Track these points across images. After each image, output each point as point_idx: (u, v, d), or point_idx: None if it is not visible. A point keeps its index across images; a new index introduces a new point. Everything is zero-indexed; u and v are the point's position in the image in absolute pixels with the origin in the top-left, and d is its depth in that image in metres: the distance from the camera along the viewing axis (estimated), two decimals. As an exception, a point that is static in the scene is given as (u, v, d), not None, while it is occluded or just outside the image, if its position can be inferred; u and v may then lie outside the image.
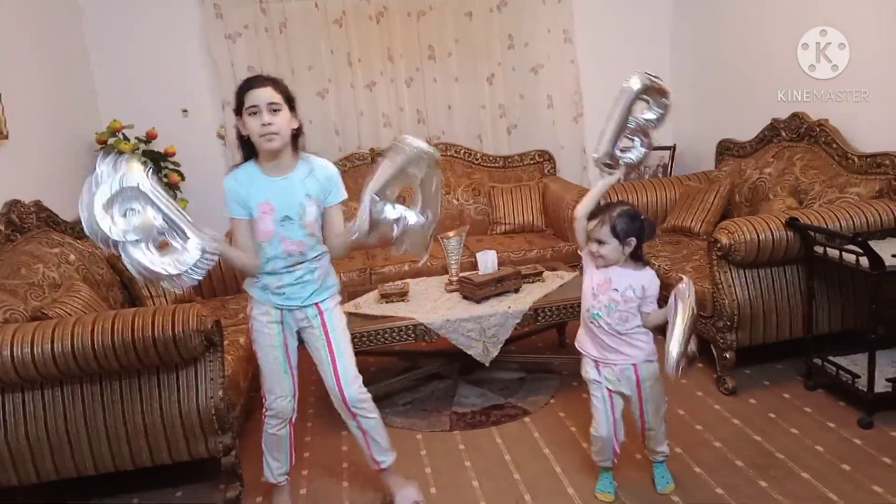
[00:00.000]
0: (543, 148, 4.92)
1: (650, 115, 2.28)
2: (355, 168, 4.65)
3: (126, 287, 3.28)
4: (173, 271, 1.79)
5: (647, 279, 2.20)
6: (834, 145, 3.40)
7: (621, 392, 2.26)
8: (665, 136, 4.97)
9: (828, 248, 2.74)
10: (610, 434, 2.29)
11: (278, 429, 2.31)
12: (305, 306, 2.21)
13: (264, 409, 2.31)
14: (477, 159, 4.89)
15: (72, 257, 3.05)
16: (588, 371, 2.30)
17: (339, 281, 2.36)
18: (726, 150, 4.29)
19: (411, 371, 3.32)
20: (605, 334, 2.21)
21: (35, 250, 2.91)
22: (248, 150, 2.14)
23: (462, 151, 4.87)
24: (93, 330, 2.23)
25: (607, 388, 2.26)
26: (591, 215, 2.20)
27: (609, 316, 2.19)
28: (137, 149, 4.13)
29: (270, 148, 2.06)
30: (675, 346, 2.01)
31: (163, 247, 1.81)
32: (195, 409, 2.38)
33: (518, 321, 3.02)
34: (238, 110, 2.08)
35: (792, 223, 2.83)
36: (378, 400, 2.36)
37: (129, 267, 1.79)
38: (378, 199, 1.97)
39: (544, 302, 3.08)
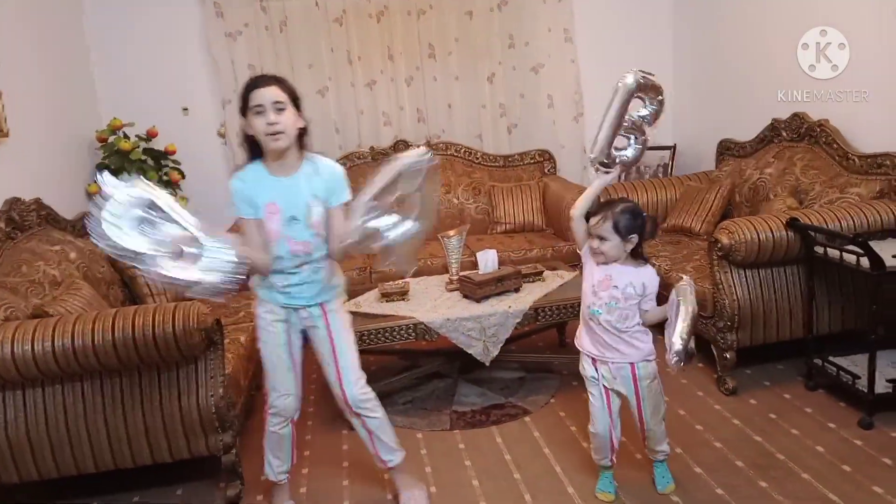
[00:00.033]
0: (544, 147, 4.92)
1: (645, 113, 2.28)
2: (356, 167, 4.64)
3: (127, 285, 3.28)
4: (213, 279, 1.80)
5: (647, 276, 2.20)
6: (834, 145, 3.40)
7: (618, 390, 2.26)
8: (665, 136, 4.97)
9: (828, 249, 2.74)
10: (606, 431, 2.29)
11: (280, 427, 2.31)
12: (310, 306, 2.21)
13: (267, 407, 2.31)
14: (477, 158, 4.88)
15: (72, 255, 3.04)
16: (585, 368, 2.31)
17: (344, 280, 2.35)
18: (727, 150, 4.29)
19: (411, 370, 3.31)
20: (604, 332, 2.21)
21: (36, 248, 2.91)
22: (254, 150, 2.13)
23: (462, 150, 4.86)
24: (93, 328, 2.22)
25: (604, 386, 2.27)
26: (594, 211, 2.20)
27: (610, 313, 2.19)
28: (138, 147, 4.13)
29: (277, 147, 2.06)
30: (676, 339, 2.01)
31: (187, 257, 1.82)
32: (196, 407, 2.38)
33: (518, 320, 3.02)
34: (243, 111, 2.07)
35: (792, 223, 2.83)
36: (378, 398, 2.35)
37: (166, 281, 1.79)
38: (371, 206, 1.96)
39: (544, 301, 3.08)
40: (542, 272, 3.35)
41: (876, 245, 2.58)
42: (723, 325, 2.95)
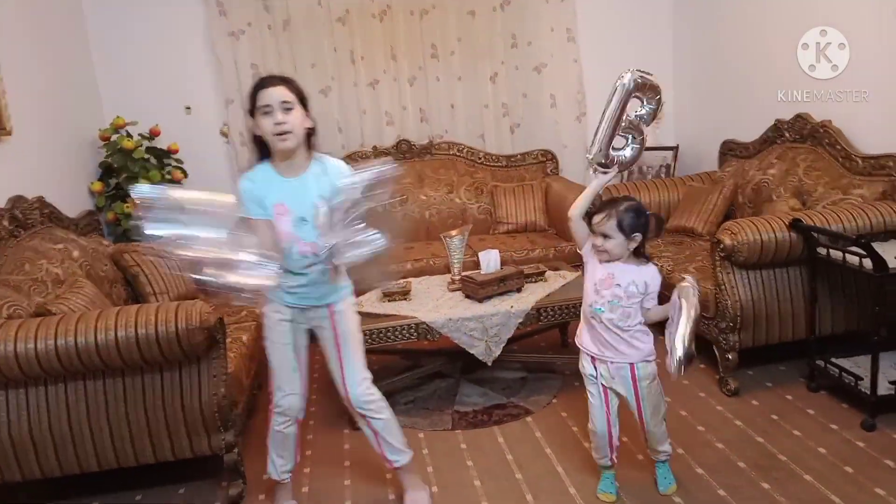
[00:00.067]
0: (546, 147, 4.92)
1: (643, 112, 2.28)
2: (358, 166, 4.63)
3: (129, 284, 3.28)
4: (257, 283, 1.84)
5: (649, 275, 2.20)
6: (838, 146, 3.40)
7: (616, 390, 2.26)
8: (668, 136, 4.97)
9: (831, 250, 2.73)
10: (604, 430, 2.29)
11: (285, 426, 2.31)
12: (318, 306, 2.21)
13: (272, 406, 2.31)
14: (480, 158, 4.88)
15: (75, 253, 3.04)
16: (584, 366, 2.31)
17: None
18: (729, 150, 4.29)
19: (413, 370, 3.31)
20: (605, 330, 2.21)
21: (39, 246, 2.91)
22: (263, 151, 2.13)
23: (465, 150, 4.86)
24: (96, 326, 2.23)
25: (602, 385, 2.27)
26: (598, 209, 2.20)
27: (612, 311, 2.19)
28: (140, 145, 4.14)
29: (284, 147, 2.06)
30: (679, 345, 2.01)
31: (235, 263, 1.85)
32: (198, 406, 2.38)
33: (520, 320, 3.02)
34: (251, 111, 2.07)
35: (795, 224, 2.83)
36: (385, 399, 2.35)
37: (224, 288, 1.82)
38: (338, 221, 1.95)
39: (547, 301, 3.08)
40: (545, 272, 3.35)
41: (879, 246, 2.58)
42: (725, 326, 2.94)
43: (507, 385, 3.25)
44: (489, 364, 3.05)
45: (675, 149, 4.86)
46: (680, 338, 2.01)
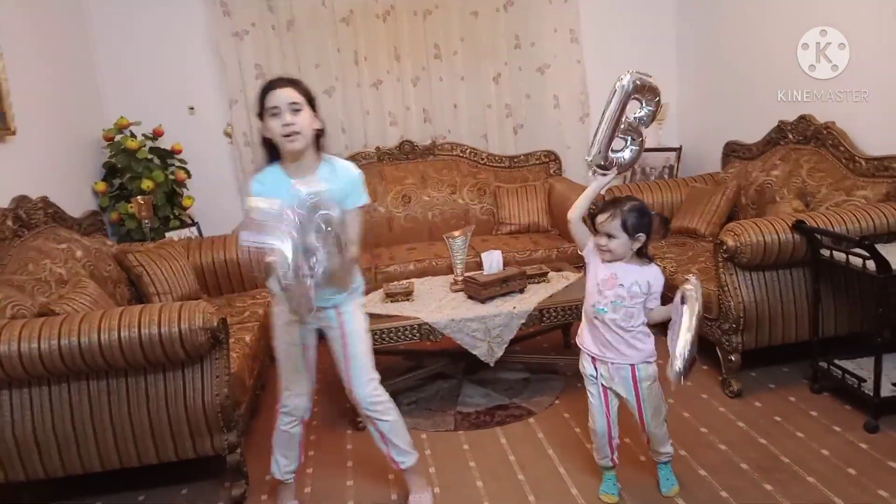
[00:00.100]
0: (549, 148, 4.92)
1: (642, 114, 2.28)
2: (361, 167, 4.63)
3: (133, 284, 3.29)
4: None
5: (652, 275, 2.20)
6: (841, 148, 3.39)
7: (616, 391, 2.26)
8: (671, 138, 4.97)
9: (834, 251, 2.73)
10: (604, 429, 2.29)
11: (291, 426, 2.32)
12: (326, 307, 2.21)
13: (278, 406, 2.32)
14: (482, 159, 4.88)
15: (79, 253, 3.05)
16: (585, 366, 2.31)
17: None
18: (733, 151, 4.29)
19: (416, 370, 3.32)
20: (608, 331, 2.21)
21: (42, 246, 2.92)
22: (272, 153, 2.13)
23: (468, 151, 4.86)
24: (99, 326, 2.23)
25: (602, 385, 2.27)
26: (602, 208, 2.20)
27: (615, 311, 2.18)
28: (144, 145, 4.15)
29: (293, 148, 2.06)
30: (680, 350, 2.01)
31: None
32: (201, 406, 2.39)
33: (523, 321, 3.02)
34: (260, 114, 2.08)
35: (798, 226, 2.83)
36: (392, 401, 2.34)
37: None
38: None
39: (549, 302, 3.08)
40: (547, 273, 3.35)
41: (882, 248, 2.57)
42: (728, 328, 2.94)
43: (509, 386, 3.25)
44: (492, 365, 3.04)
45: (678, 150, 4.85)
46: (680, 348, 2.01)
